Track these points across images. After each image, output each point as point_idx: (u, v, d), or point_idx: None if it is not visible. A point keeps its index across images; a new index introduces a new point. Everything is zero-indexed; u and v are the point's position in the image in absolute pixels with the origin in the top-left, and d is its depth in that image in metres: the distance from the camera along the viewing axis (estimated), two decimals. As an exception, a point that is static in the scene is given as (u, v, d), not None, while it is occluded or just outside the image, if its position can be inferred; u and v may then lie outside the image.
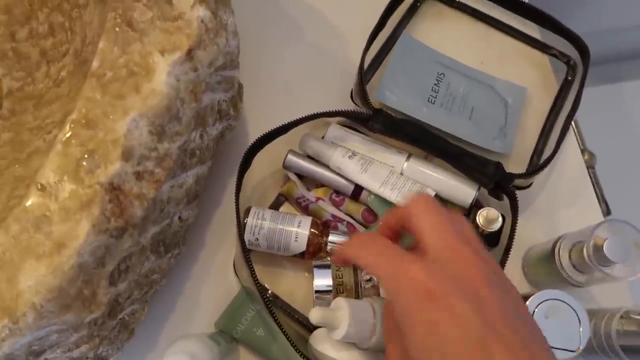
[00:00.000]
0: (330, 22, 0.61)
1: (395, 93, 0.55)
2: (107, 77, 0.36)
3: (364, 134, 0.54)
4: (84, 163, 0.34)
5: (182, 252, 0.48)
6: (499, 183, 0.49)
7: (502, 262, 0.46)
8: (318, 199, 0.52)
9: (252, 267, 0.45)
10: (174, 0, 0.38)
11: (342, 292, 0.49)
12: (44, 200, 0.34)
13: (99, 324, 0.38)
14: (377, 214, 0.52)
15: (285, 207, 0.54)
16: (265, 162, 0.54)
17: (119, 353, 0.44)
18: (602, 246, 0.40)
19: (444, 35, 0.61)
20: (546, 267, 0.48)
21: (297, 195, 0.52)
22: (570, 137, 0.58)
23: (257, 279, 0.45)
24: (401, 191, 0.49)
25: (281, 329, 0.43)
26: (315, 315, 0.39)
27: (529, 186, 0.53)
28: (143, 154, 0.36)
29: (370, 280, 0.49)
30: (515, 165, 0.56)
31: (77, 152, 0.34)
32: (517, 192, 0.49)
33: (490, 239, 0.49)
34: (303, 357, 0.42)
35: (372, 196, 0.51)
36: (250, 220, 0.49)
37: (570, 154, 0.58)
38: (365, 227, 0.52)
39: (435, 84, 0.56)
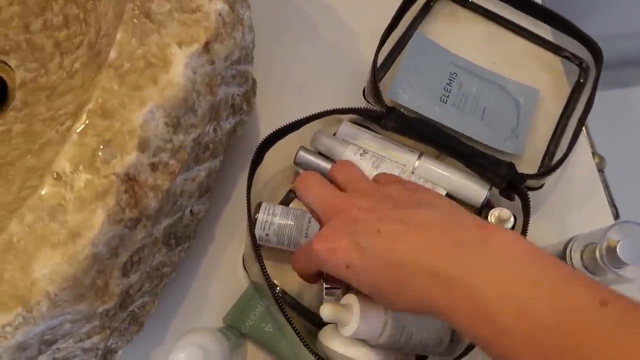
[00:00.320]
0: (344, 20, 0.61)
1: (407, 92, 0.55)
2: (125, 68, 0.36)
3: (375, 132, 0.54)
4: (100, 153, 0.34)
5: (192, 245, 0.48)
6: (511, 183, 0.49)
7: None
8: (328, 195, 0.52)
9: (263, 263, 0.45)
10: (192, -7, 0.38)
11: (352, 288, 0.48)
12: (60, 190, 0.34)
13: (111, 315, 0.38)
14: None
15: (296, 204, 0.54)
16: (276, 158, 0.54)
17: (128, 345, 0.44)
18: (615, 248, 0.40)
19: (456, 35, 0.61)
20: (557, 269, 0.48)
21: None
22: (582, 140, 0.58)
23: (267, 275, 0.45)
24: (412, 190, 0.49)
25: (291, 324, 0.43)
26: (325, 311, 0.39)
27: (540, 187, 0.53)
28: (159, 145, 0.36)
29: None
30: (527, 166, 0.56)
31: (93, 142, 0.34)
32: (528, 193, 0.49)
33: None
34: (312, 353, 0.42)
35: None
36: (261, 216, 0.49)
37: (581, 157, 0.57)
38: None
39: (447, 84, 0.56)
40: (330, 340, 0.42)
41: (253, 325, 0.48)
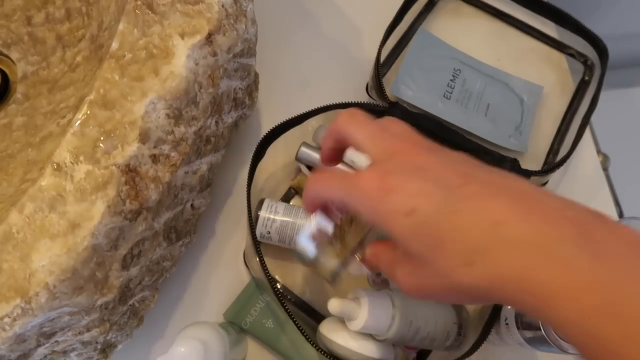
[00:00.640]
0: (348, 15, 0.61)
1: (411, 88, 0.55)
2: (126, 59, 0.36)
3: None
4: (101, 144, 0.34)
5: (192, 240, 0.47)
6: (514, 180, 0.49)
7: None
8: (331, 191, 0.52)
9: (263, 259, 0.45)
10: (195, -16, 0.37)
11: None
12: (60, 180, 0.33)
13: (110, 308, 0.38)
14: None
15: (296, 200, 0.54)
16: (278, 154, 0.53)
17: (128, 340, 0.44)
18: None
19: (460, 31, 0.61)
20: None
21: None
22: (586, 138, 0.58)
23: (267, 270, 0.44)
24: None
25: (292, 319, 0.43)
26: (334, 305, 0.38)
27: (544, 184, 0.53)
28: (160, 137, 0.36)
29: (380, 274, 0.49)
30: (530, 163, 0.55)
31: (94, 133, 0.34)
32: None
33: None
34: (314, 347, 0.42)
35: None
36: (263, 213, 0.48)
37: (585, 155, 0.57)
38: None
39: (451, 80, 0.56)
40: (333, 333, 0.42)
41: (254, 321, 0.48)
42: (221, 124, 0.44)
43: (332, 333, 0.42)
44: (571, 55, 0.60)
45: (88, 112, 0.35)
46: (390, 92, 0.54)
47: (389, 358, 0.42)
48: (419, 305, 0.40)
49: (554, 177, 0.54)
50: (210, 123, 0.42)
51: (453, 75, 0.56)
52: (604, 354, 0.21)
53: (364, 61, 0.58)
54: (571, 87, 0.59)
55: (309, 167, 0.53)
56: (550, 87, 0.59)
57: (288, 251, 0.52)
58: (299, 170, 0.53)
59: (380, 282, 0.48)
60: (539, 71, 0.60)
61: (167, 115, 0.36)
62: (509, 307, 0.44)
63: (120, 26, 0.36)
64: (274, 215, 0.48)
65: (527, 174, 0.49)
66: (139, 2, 0.37)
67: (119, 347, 0.43)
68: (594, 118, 0.56)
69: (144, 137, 0.35)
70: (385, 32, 0.54)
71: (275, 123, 0.49)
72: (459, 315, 0.43)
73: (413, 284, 0.27)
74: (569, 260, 0.22)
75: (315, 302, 0.49)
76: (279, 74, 0.58)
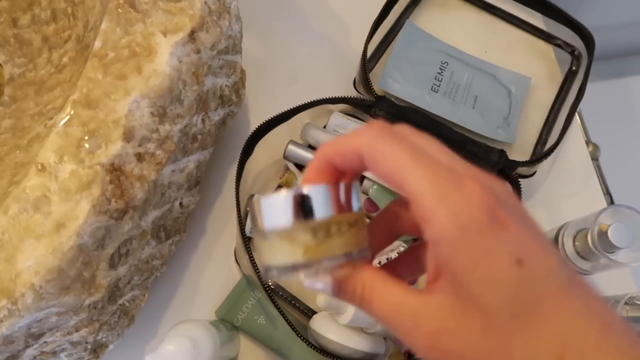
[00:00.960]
0: (334, 10, 0.61)
1: (398, 81, 0.55)
2: (109, 58, 0.36)
3: (366, 122, 0.54)
4: (85, 143, 0.34)
5: (183, 239, 0.47)
6: (502, 170, 0.49)
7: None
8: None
9: (252, 254, 0.45)
10: (176, -19, 0.37)
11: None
12: (44, 181, 0.33)
13: (99, 308, 0.38)
14: (379, 205, 0.51)
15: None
16: (266, 153, 0.53)
17: (119, 340, 0.44)
18: (607, 232, 0.40)
19: (447, 24, 0.61)
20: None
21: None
22: (575, 129, 0.58)
23: (256, 266, 0.44)
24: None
25: (282, 315, 0.43)
26: (322, 299, 0.39)
27: (532, 175, 0.53)
28: (144, 135, 0.36)
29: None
30: (519, 154, 0.55)
31: (78, 132, 0.34)
32: (520, 180, 0.49)
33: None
34: (305, 342, 0.42)
35: (375, 186, 0.51)
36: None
37: (574, 145, 0.57)
38: (369, 217, 0.51)
39: (438, 73, 0.56)
40: (322, 327, 0.42)
41: (245, 318, 0.48)
42: (208, 121, 0.44)
43: (322, 328, 0.42)
44: (558, 45, 0.60)
45: (72, 111, 0.35)
46: (377, 86, 0.54)
47: (380, 351, 0.42)
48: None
49: (543, 168, 0.54)
50: (197, 121, 0.42)
51: (440, 68, 0.56)
52: None
53: (352, 56, 0.58)
54: (559, 78, 0.59)
55: (298, 165, 0.53)
56: (538, 77, 0.59)
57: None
58: (287, 169, 0.53)
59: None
60: (526, 62, 0.60)
61: (152, 113, 0.36)
62: None
63: (103, 25, 0.36)
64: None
65: (515, 164, 0.49)
66: (121, 1, 0.37)
67: (110, 347, 0.43)
68: (584, 109, 0.56)
69: (128, 136, 0.35)
70: (372, 26, 0.54)
71: (264, 120, 0.49)
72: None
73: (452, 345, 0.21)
74: None
75: (307, 298, 0.50)
76: (266, 71, 0.58)
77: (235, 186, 0.46)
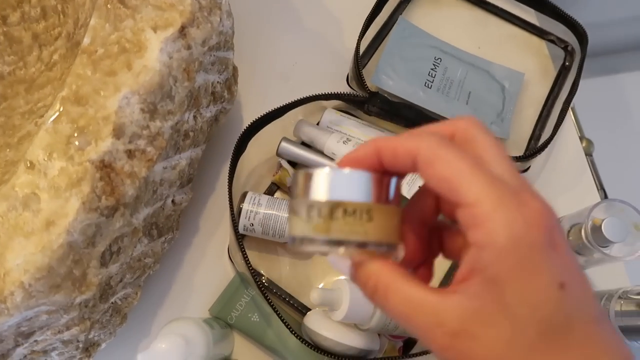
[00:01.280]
0: (327, 6, 0.61)
1: (391, 77, 0.55)
2: (99, 54, 0.35)
3: (359, 118, 0.53)
4: (75, 140, 0.34)
5: (175, 237, 0.47)
6: (496, 166, 0.49)
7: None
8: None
9: (245, 252, 0.44)
10: (166, -24, 0.37)
11: None
12: (33, 178, 0.33)
13: (90, 306, 0.37)
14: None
15: (280, 194, 0.53)
16: (259, 150, 0.53)
17: (112, 338, 0.44)
18: (600, 226, 0.40)
19: (441, 20, 0.61)
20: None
21: (290, 183, 0.52)
22: (569, 124, 0.58)
23: (249, 263, 0.44)
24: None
25: (275, 312, 0.43)
26: (315, 296, 0.38)
27: (526, 170, 0.53)
28: (135, 132, 0.35)
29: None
30: (513, 149, 0.55)
31: (67, 129, 0.34)
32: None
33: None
34: (299, 338, 0.42)
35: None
36: (246, 206, 0.48)
37: (568, 141, 0.57)
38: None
39: (432, 69, 0.56)
40: (317, 325, 0.42)
41: (240, 315, 0.48)
42: (200, 118, 0.44)
43: (316, 325, 0.42)
44: (551, 41, 0.60)
45: (61, 108, 0.34)
46: (370, 82, 0.54)
47: (374, 347, 0.42)
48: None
49: (536, 163, 0.54)
50: (188, 117, 0.42)
51: (434, 64, 0.56)
52: None
53: (345, 52, 0.58)
54: (552, 73, 0.59)
55: (291, 163, 0.52)
56: (532, 73, 0.59)
57: (273, 245, 0.51)
58: (280, 166, 0.53)
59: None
60: (519, 58, 0.60)
61: (142, 109, 0.36)
62: None
63: (92, 21, 0.36)
64: (257, 207, 0.48)
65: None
66: (110, -3, 0.36)
67: (103, 345, 0.43)
68: (578, 105, 0.56)
69: (118, 133, 0.34)
70: (365, 22, 0.54)
71: (257, 116, 0.48)
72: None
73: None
74: None
75: (301, 295, 0.49)
76: (259, 67, 0.58)
77: (228, 183, 0.46)
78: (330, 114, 0.53)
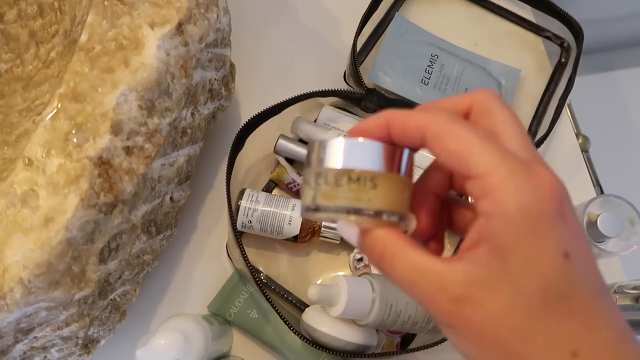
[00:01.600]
0: (324, 3, 0.61)
1: (388, 74, 0.55)
2: (96, 51, 0.35)
3: (357, 115, 0.54)
4: (73, 137, 0.34)
5: (174, 234, 0.47)
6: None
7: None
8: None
9: (243, 249, 0.45)
10: (163, -27, 0.37)
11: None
12: (32, 175, 0.33)
13: (89, 302, 0.38)
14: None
15: (277, 192, 0.54)
16: (257, 147, 0.53)
17: (111, 335, 0.44)
18: (596, 221, 0.40)
19: (437, 17, 0.61)
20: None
21: (288, 180, 0.52)
22: (565, 121, 0.58)
23: (248, 260, 0.44)
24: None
25: (274, 308, 0.43)
26: (313, 292, 0.39)
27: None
28: (133, 129, 0.35)
29: (361, 259, 0.49)
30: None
31: (65, 126, 0.34)
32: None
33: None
34: (298, 335, 0.42)
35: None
36: (244, 203, 0.48)
37: (564, 137, 0.57)
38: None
39: (428, 66, 0.56)
40: (316, 321, 0.42)
41: (238, 312, 0.48)
42: (197, 115, 0.44)
43: (314, 321, 0.42)
44: (547, 37, 0.61)
45: (59, 105, 0.34)
46: (368, 79, 0.54)
47: (372, 343, 0.42)
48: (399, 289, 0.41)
49: (533, 159, 0.54)
50: (186, 114, 0.42)
51: (430, 61, 0.56)
52: None
53: (342, 49, 0.58)
54: (548, 70, 0.59)
55: (288, 160, 0.53)
56: (528, 70, 0.59)
57: (271, 241, 0.52)
58: (278, 163, 0.53)
59: (362, 268, 0.48)
60: (516, 54, 0.60)
61: (140, 106, 0.36)
62: None
63: (89, 18, 0.36)
64: (255, 204, 0.48)
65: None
66: (107, -6, 0.36)
67: (102, 342, 0.43)
68: (575, 101, 0.56)
69: (116, 129, 0.34)
70: (361, 19, 0.54)
71: (255, 113, 0.48)
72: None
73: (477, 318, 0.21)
74: None
75: (299, 292, 0.50)
76: (256, 65, 0.58)
77: (226, 180, 0.46)
78: (328, 111, 0.53)
